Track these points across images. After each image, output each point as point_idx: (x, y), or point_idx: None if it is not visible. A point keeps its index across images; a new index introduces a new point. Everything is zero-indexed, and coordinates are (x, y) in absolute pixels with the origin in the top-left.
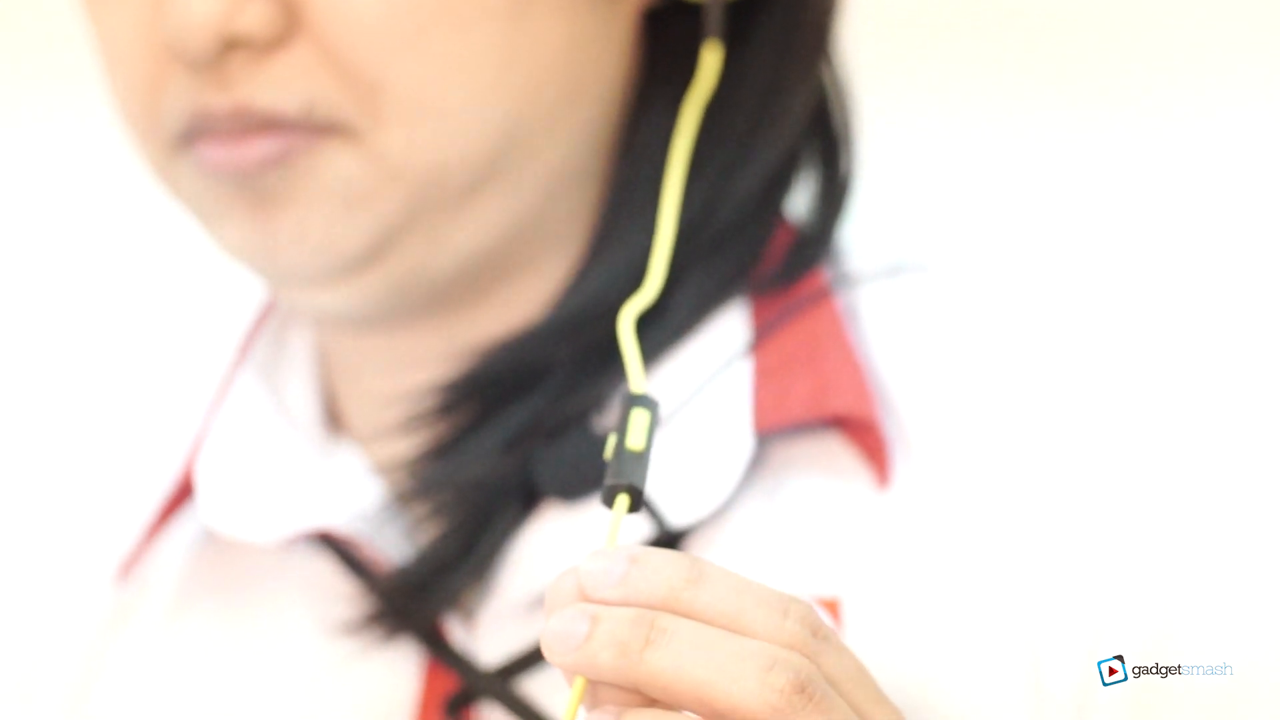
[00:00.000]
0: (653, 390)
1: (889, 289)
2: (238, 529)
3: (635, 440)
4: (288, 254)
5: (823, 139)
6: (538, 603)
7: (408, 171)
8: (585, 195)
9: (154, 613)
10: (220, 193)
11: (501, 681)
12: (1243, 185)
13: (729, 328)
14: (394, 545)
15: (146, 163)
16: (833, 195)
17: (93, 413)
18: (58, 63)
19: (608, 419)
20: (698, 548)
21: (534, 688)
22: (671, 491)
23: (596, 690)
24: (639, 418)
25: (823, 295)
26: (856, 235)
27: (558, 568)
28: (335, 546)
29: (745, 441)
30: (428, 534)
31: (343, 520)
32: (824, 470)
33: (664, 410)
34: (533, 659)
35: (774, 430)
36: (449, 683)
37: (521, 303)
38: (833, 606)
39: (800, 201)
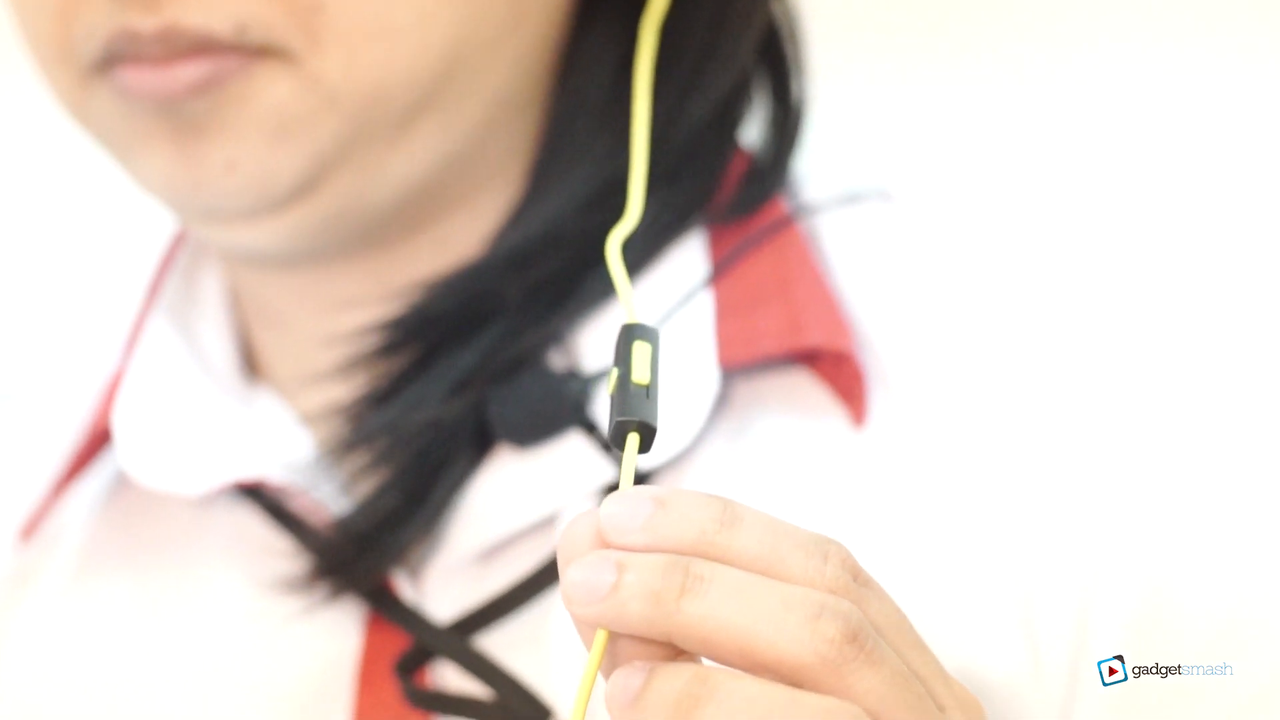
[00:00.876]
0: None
1: (853, 218)
2: (161, 480)
3: (640, 374)
4: (214, 187)
5: (773, 67)
6: (490, 554)
7: (345, 97)
8: (524, 125)
9: (61, 574)
10: (141, 122)
11: (459, 638)
12: (1204, 121)
13: (687, 260)
14: (329, 497)
15: (55, 91)
16: (786, 124)
17: None
18: None
19: (562, 357)
20: None
21: (491, 644)
22: None
23: (616, 644)
24: (641, 350)
25: (784, 224)
26: (814, 169)
27: (513, 518)
28: (264, 499)
29: (710, 379)
30: (368, 485)
31: (273, 471)
32: (794, 408)
33: None
34: (489, 614)
35: (740, 366)
36: (394, 642)
37: (459, 239)
38: None
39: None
